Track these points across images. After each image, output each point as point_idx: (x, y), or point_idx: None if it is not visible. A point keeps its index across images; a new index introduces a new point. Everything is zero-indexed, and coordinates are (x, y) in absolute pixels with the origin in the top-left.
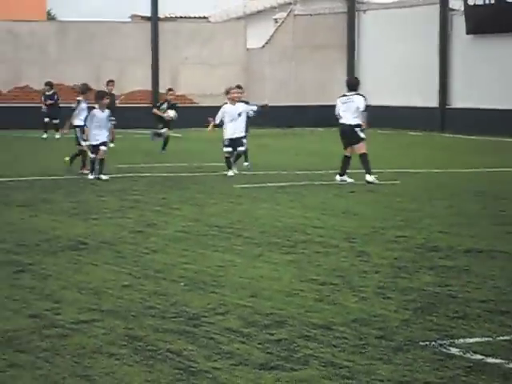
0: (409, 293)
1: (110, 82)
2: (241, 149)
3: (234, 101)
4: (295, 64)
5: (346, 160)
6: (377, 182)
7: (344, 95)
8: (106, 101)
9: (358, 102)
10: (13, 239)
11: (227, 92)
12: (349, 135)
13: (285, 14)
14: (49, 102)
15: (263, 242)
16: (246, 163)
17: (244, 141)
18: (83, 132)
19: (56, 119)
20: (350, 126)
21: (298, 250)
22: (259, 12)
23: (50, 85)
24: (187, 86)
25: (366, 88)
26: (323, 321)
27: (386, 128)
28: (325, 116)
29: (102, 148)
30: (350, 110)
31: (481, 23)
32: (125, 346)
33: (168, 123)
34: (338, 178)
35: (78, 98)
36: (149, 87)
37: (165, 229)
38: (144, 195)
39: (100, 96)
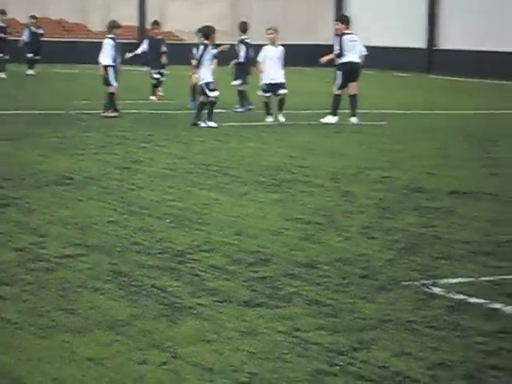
0: (393, 233)
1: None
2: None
3: (274, 42)
4: (283, 1)
5: (340, 99)
6: (356, 123)
7: (348, 33)
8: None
9: (361, 43)
10: None
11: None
12: (356, 73)
13: None
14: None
15: (249, 181)
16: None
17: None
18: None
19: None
20: (359, 64)
21: (284, 189)
22: None
23: (2, 13)
24: (174, 22)
25: (354, 28)
26: (307, 259)
27: (372, 69)
28: (312, 55)
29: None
30: (355, 49)
31: None
32: (109, 280)
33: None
34: (353, 119)
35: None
36: (136, 23)
37: (151, 166)
38: (130, 132)
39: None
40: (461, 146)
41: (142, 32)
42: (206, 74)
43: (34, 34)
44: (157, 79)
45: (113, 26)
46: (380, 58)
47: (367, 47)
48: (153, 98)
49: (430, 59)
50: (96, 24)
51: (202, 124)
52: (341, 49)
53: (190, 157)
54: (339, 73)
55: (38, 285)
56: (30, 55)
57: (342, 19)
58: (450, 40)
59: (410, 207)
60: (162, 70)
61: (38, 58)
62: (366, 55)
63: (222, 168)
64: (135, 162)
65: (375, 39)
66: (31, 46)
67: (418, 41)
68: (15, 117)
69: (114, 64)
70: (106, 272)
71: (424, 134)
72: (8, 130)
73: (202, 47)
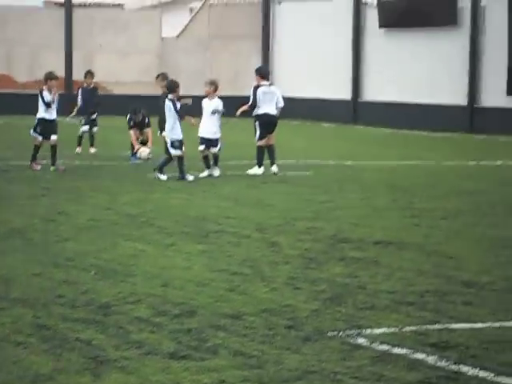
0: (318, 283)
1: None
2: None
3: (209, 95)
4: (210, 54)
5: (263, 150)
6: (277, 171)
7: (264, 85)
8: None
9: (279, 95)
10: None
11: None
12: (273, 125)
13: (200, 4)
14: None
15: (175, 232)
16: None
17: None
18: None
19: None
20: (275, 116)
21: (210, 239)
22: (174, 1)
23: None
24: (101, 73)
25: (280, 79)
26: (233, 310)
27: (299, 119)
28: (239, 107)
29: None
30: (271, 101)
31: (393, 17)
32: (32, 334)
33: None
34: (273, 168)
35: None
36: (62, 74)
37: (76, 217)
38: (56, 183)
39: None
40: (384, 196)
41: (68, 83)
42: (173, 130)
43: None
44: (86, 132)
45: (48, 77)
46: (306, 108)
47: (291, 98)
48: (78, 150)
49: (354, 110)
50: (22, 75)
51: (161, 176)
52: (254, 100)
53: (116, 208)
54: (257, 124)
55: None
56: None
57: (259, 71)
58: (374, 92)
59: (335, 257)
60: (94, 121)
61: None
62: (281, 107)
63: (148, 219)
64: (60, 213)
65: (302, 90)
66: None
67: (344, 92)
68: None
69: (43, 117)
70: (28, 326)
71: (349, 185)
72: None
73: (169, 102)
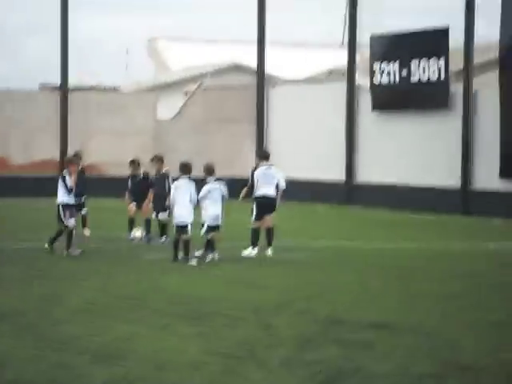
0: (313, 366)
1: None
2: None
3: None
4: (205, 136)
5: (258, 232)
6: (272, 254)
7: (263, 167)
8: None
9: (279, 177)
10: None
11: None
12: (271, 207)
13: (194, 87)
14: None
15: (170, 314)
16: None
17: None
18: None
19: None
20: (273, 198)
21: (205, 321)
22: (170, 84)
23: None
24: (97, 154)
25: (274, 161)
26: None
27: (293, 201)
28: (234, 188)
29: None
30: (271, 183)
31: (385, 100)
32: None
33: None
34: (269, 251)
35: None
36: (57, 157)
37: (70, 299)
38: (51, 266)
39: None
40: (379, 278)
41: (62, 165)
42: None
43: None
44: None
45: (69, 161)
46: (300, 190)
47: (287, 181)
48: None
49: (348, 191)
50: (17, 157)
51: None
52: (252, 182)
53: (110, 290)
54: (254, 205)
55: None
56: None
57: (258, 153)
58: (368, 173)
59: (330, 339)
60: (83, 203)
61: None
62: (284, 189)
63: (142, 301)
64: (54, 295)
65: (296, 173)
66: None
67: (338, 174)
68: None
69: (67, 202)
70: None
71: (344, 266)
72: None
73: (182, 184)
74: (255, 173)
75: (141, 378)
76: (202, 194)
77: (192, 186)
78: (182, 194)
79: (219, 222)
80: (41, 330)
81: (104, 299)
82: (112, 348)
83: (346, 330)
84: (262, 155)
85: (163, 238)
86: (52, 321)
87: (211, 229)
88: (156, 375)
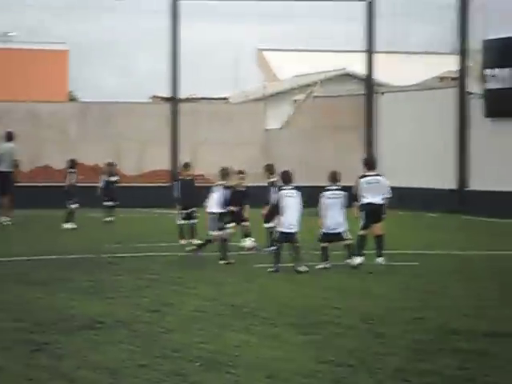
0: (427, 375)
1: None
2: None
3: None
4: (313, 145)
5: (364, 239)
6: (383, 263)
7: (369, 175)
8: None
9: (385, 185)
10: (30, 318)
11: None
12: (378, 214)
13: (304, 96)
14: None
15: (280, 322)
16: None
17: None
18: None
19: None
20: (381, 205)
21: (315, 330)
22: (278, 93)
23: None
24: (206, 165)
25: (383, 169)
26: None
27: (403, 209)
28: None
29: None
30: (377, 191)
31: (500, 107)
32: None
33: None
34: (379, 259)
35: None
36: (168, 167)
37: (181, 308)
38: (160, 274)
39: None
40: (492, 286)
41: (174, 176)
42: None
43: (108, 182)
44: (184, 224)
45: (224, 173)
46: (411, 198)
47: (395, 188)
48: (182, 241)
49: (460, 200)
50: (129, 169)
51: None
52: (358, 190)
53: (220, 298)
54: (362, 213)
55: None
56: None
57: (365, 161)
58: (480, 181)
59: (443, 349)
60: (193, 213)
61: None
62: (389, 197)
63: (252, 309)
64: (165, 304)
65: (405, 180)
66: (107, 192)
67: (449, 182)
68: (47, 261)
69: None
70: None
71: (456, 275)
72: (42, 274)
73: (290, 192)
74: (361, 181)
75: None
76: (323, 201)
77: (299, 195)
78: (291, 202)
79: (340, 230)
80: (152, 337)
81: (213, 307)
82: (222, 356)
83: (459, 339)
84: (369, 164)
85: (273, 247)
86: (163, 329)
87: (327, 236)
88: None
